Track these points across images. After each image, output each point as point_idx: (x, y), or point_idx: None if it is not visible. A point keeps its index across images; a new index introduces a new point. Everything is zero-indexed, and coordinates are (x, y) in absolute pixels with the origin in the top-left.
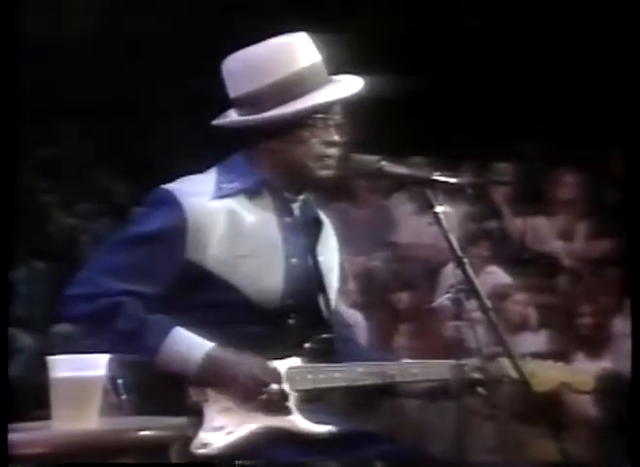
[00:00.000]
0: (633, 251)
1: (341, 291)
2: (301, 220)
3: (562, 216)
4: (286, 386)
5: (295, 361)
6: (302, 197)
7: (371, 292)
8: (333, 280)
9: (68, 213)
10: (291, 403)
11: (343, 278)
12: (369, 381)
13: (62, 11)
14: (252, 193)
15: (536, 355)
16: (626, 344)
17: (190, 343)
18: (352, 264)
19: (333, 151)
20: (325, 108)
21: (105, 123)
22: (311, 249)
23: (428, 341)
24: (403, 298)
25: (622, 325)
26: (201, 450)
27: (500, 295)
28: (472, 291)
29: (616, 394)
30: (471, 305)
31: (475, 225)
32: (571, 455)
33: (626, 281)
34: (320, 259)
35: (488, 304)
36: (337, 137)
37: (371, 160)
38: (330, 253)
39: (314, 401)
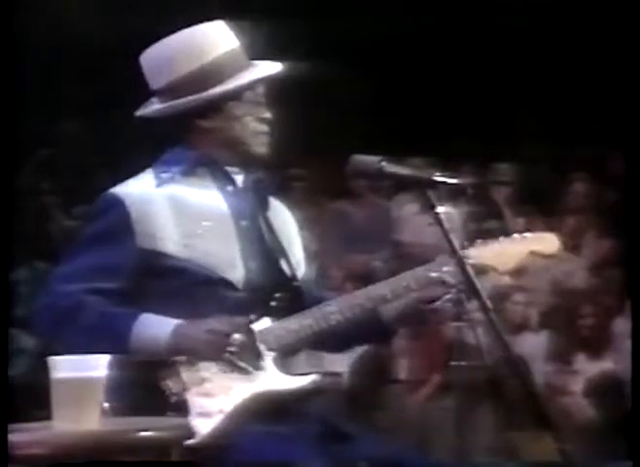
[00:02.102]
0: (633, 252)
1: (320, 278)
2: (245, 190)
3: (565, 219)
4: (262, 348)
5: (265, 322)
6: (246, 172)
7: None
8: (293, 248)
9: (69, 214)
10: (268, 363)
11: (319, 267)
12: (340, 317)
13: (62, 11)
14: (189, 173)
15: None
16: (627, 345)
17: (158, 323)
18: (353, 263)
19: (265, 128)
20: (249, 87)
21: (106, 123)
22: (261, 213)
23: (428, 341)
24: None
25: (622, 326)
26: (191, 441)
27: (501, 295)
28: (472, 291)
29: (617, 394)
30: (471, 305)
31: (476, 225)
32: (570, 456)
33: (627, 282)
34: (272, 222)
35: (489, 304)
36: (268, 114)
37: (371, 160)
38: (285, 224)
39: (292, 355)
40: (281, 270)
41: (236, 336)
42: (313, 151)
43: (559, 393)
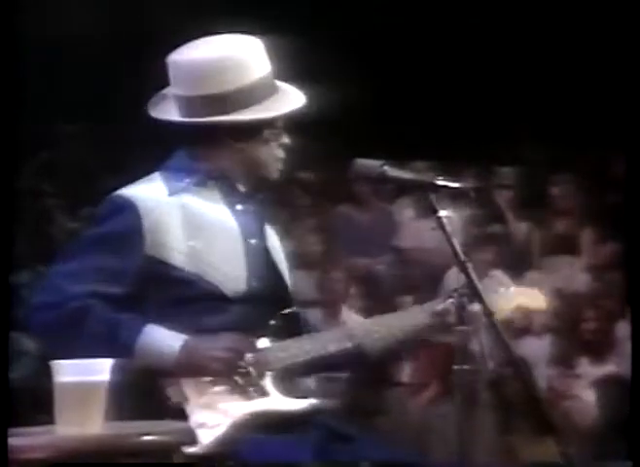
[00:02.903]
0: (633, 255)
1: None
2: (252, 210)
3: (565, 222)
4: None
5: (264, 342)
6: (254, 193)
7: (374, 296)
8: (283, 263)
9: (72, 217)
10: (267, 383)
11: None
12: (337, 347)
13: (63, 12)
14: (200, 186)
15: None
16: (629, 348)
17: (164, 337)
18: (356, 267)
19: (283, 153)
20: (277, 117)
21: (108, 125)
22: (262, 231)
23: (431, 345)
24: (406, 301)
25: (625, 329)
26: (191, 449)
27: None
28: (475, 295)
29: (619, 398)
30: (474, 309)
31: (478, 229)
32: (572, 458)
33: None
34: (270, 239)
35: (491, 308)
36: (286, 140)
37: (374, 164)
38: (277, 250)
39: (289, 378)
40: (282, 292)
41: (249, 356)
42: (316, 155)
43: (562, 397)
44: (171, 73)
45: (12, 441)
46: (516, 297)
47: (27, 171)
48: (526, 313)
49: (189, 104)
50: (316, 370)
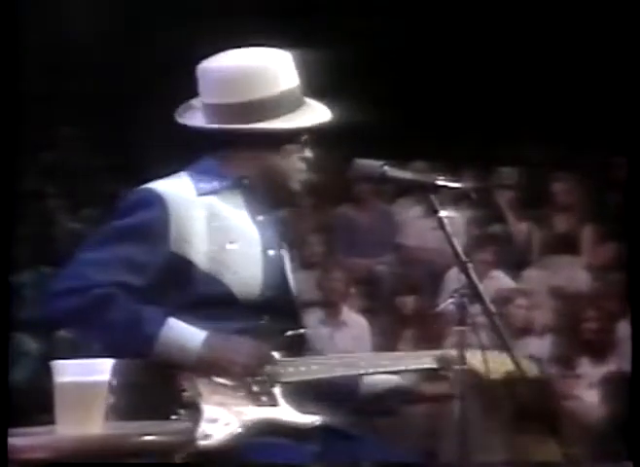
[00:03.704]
0: (633, 256)
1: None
2: (272, 222)
3: (566, 221)
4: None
5: (275, 354)
6: (275, 203)
7: (375, 296)
8: (291, 276)
9: (74, 217)
10: (278, 394)
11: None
12: (343, 372)
13: (68, 15)
14: (227, 193)
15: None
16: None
17: (186, 332)
18: (356, 268)
19: (305, 167)
20: (302, 130)
21: (111, 126)
22: (280, 244)
23: (432, 345)
24: (407, 302)
25: (626, 329)
26: (204, 442)
27: (504, 299)
28: (476, 295)
29: (621, 398)
30: (475, 309)
31: (479, 229)
32: (573, 458)
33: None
34: (285, 254)
35: (492, 308)
36: (309, 154)
37: (374, 164)
38: (287, 258)
39: (296, 393)
40: (291, 304)
41: (268, 368)
42: (316, 155)
43: (563, 397)
44: (200, 81)
45: (12, 441)
46: (507, 363)
47: (31, 173)
48: (515, 379)
49: (215, 112)
50: (319, 394)
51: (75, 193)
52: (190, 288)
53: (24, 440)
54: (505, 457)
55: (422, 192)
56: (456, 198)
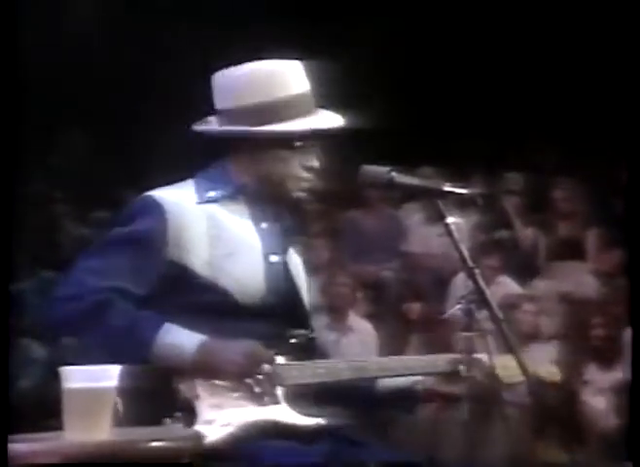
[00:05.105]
0: (634, 261)
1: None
2: (276, 229)
3: (572, 227)
4: (277, 381)
5: (279, 359)
6: (279, 213)
7: (381, 302)
8: (304, 286)
9: (79, 223)
10: (279, 395)
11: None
12: (350, 376)
13: (63, 17)
14: (230, 199)
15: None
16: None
17: (182, 335)
18: (363, 273)
19: (309, 176)
20: (306, 135)
21: (116, 131)
22: (285, 250)
23: (439, 351)
24: (413, 308)
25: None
26: (207, 440)
27: (511, 305)
28: (483, 301)
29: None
30: (482, 315)
31: (485, 235)
32: (575, 459)
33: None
34: (292, 260)
35: (499, 314)
36: (315, 164)
37: (381, 170)
38: (298, 271)
39: (300, 396)
40: (298, 312)
41: (266, 366)
42: (324, 161)
43: (580, 402)
44: (214, 89)
45: (19, 447)
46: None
47: (37, 178)
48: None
49: (228, 116)
50: (324, 398)
51: (80, 198)
52: (190, 295)
53: (32, 445)
54: (508, 460)
55: (429, 197)
56: (463, 204)
